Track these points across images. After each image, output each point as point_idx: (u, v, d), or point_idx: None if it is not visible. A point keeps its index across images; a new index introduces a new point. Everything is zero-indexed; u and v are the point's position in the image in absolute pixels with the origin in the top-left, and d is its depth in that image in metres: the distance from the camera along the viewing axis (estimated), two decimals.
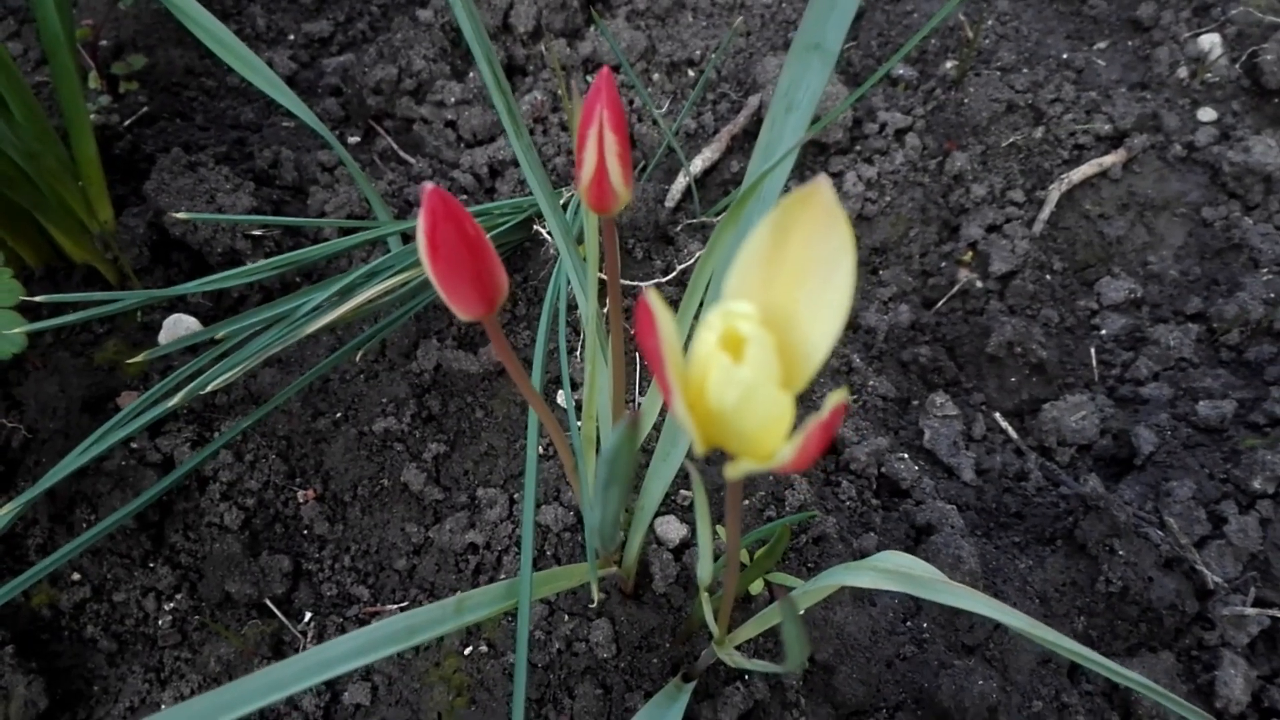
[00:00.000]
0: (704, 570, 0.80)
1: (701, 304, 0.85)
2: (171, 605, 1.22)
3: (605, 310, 1.27)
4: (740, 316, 0.43)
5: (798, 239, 0.45)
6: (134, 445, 1.27)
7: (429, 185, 0.54)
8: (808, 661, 1.13)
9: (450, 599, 0.84)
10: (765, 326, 0.44)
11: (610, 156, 0.60)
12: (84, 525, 1.25)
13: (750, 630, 0.97)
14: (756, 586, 1.16)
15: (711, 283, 0.84)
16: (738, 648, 1.12)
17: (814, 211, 0.44)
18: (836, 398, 0.40)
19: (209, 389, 1.06)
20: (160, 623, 1.21)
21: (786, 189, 1.39)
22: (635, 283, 1.42)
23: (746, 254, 0.46)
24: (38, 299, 1.05)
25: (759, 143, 0.87)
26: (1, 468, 1.28)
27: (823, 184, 0.43)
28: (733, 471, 0.45)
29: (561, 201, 1.42)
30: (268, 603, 1.22)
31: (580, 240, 1.35)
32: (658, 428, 1.09)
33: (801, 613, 1.13)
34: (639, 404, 1.36)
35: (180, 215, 1.09)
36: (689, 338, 0.88)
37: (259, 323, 1.15)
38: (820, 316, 0.45)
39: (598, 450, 1.06)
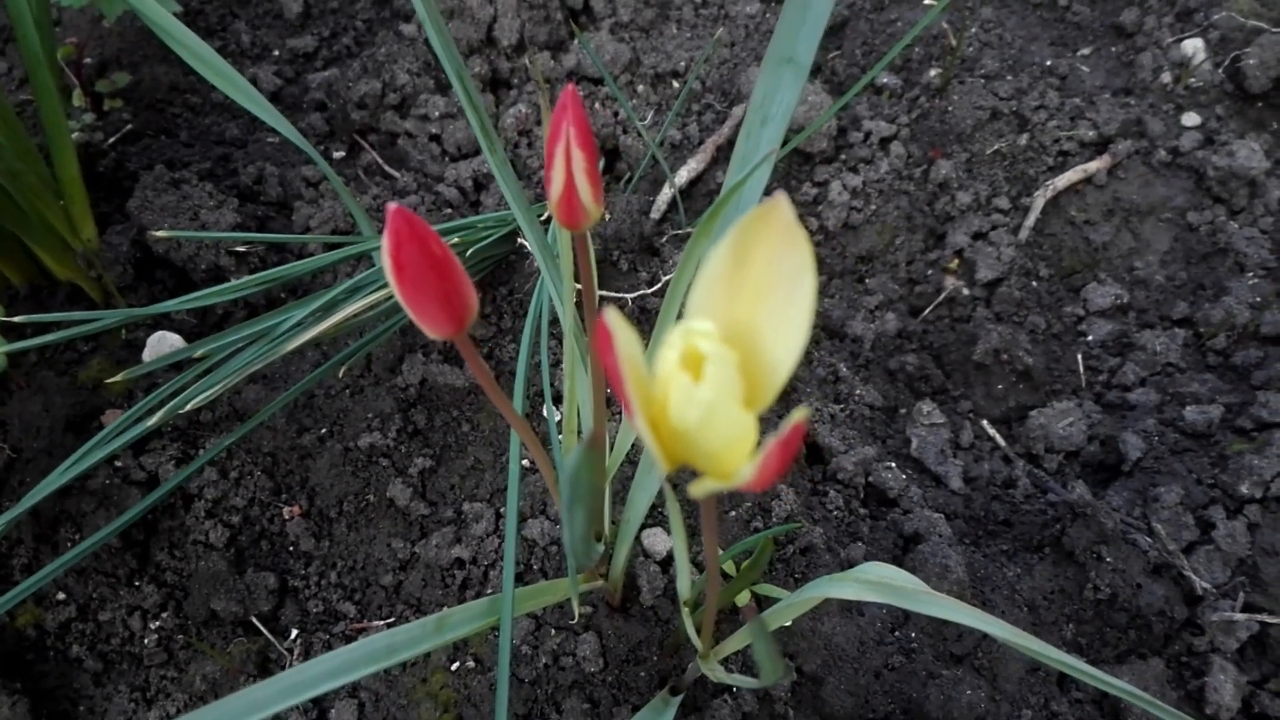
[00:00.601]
0: (683, 586, 0.80)
1: (679, 317, 0.85)
2: (157, 624, 1.22)
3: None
4: (700, 334, 0.43)
5: (759, 256, 0.45)
6: (118, 463, 1.27)
7: (392, 205, 0.53)
8: (795, 673, 1.12)
9: (431, 617, 0.84)
10: (728, 344, 0.44)
11: (579, 174, 0.60)
12: (68, 544, 1.24)
13: (737, 643, 0.96)
14: (743, 598, 1.15)
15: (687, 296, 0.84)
16: (725, 660, 1.12)
17: (774, 229, 0.44)
18: (797, 416, 0.40)
19: (189, 407, 1.06)
20: (146, 641, 1.21)
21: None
22: (620, 294, 1.41)
23: (708, 272, 0.45)
24: (19, 319, 1.05)
25: (734, 155, 0.87)
26: None
27: (781, 202, 0.43)
28: (698, 490, 0.45)
29: (543, 217, 1.42)
30: (254, 620, 1.22)
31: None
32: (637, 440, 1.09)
33: (789, 624, 1.13)
34: (620, 417, 1.35)
35: (161, 233, 1.09)
36: None
37: (241, 339, 1.15)
38: (783, 333, 0.45)
39: None
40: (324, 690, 0.76)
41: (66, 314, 1.05)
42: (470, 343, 0.65)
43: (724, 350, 0.42)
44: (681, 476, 1.28)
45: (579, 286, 0.98)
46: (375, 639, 0.80)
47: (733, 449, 0.44)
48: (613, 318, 0.41)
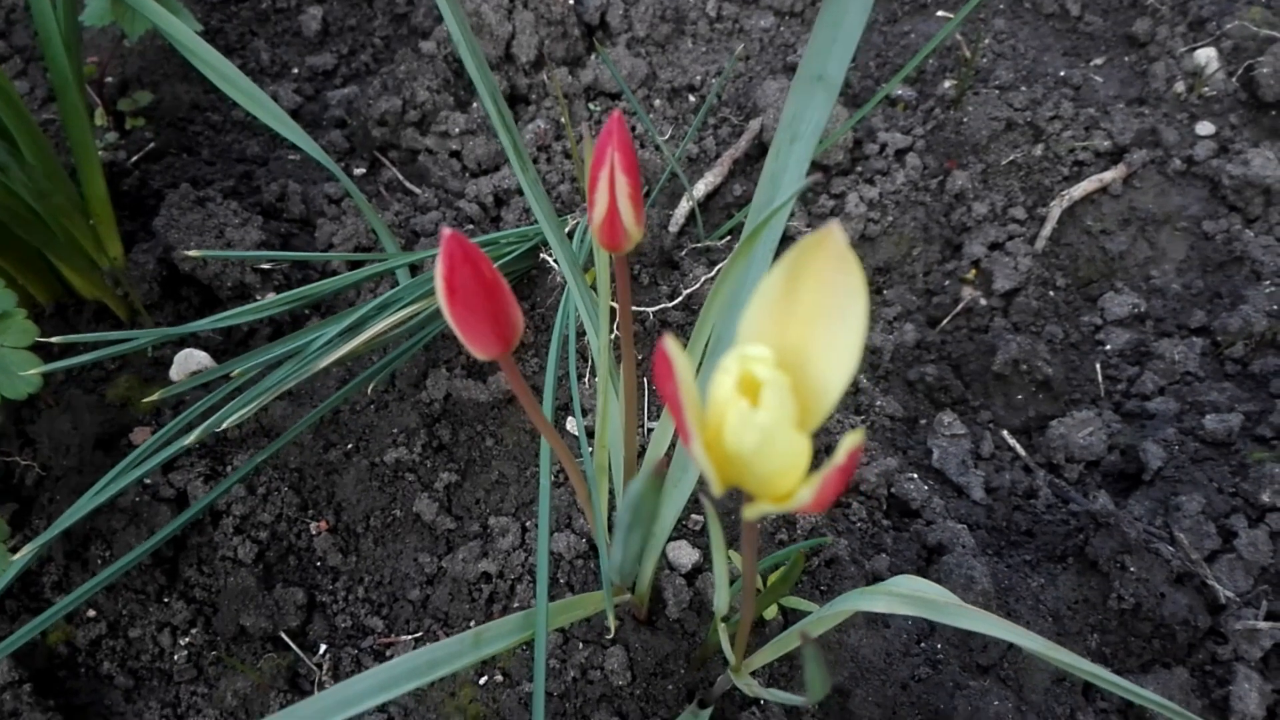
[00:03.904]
0: (720, 601, 0.81)
1: (709, 339, 0.86)
2: (187, 640, 1.23)
3: (615, 337, 1.29)
4: (756, 360, 0.44)
5: (810, 282, 0.45)
6: (147, 481, 1.28)
7: (446, 230, 0.55)
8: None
9: (468, 632, 0.85)
10: (780, 368, 0.44)
11: (622, 198, 0.61)
12: (99, 561, 1.25)
13: (765, 656, 0.97)
14: (771, 612, 1.16)
15: (720, 316, 0.85)
16: (753, 673, 1.12)
17: (826, 255, 0.45)
18: (852, 440, 0.41)
19: (224, 427, 1.07)
20: (176, 658, 1.22)
21: (791, 213, 1.39)
22: (642, 308, 1.42)
23: (760, 297, 0.46)
24: (53, 340, 1.06)
25: (764, 173, 0.88)
26: (16, 505, 1.28)
27: (834, 229, 0.44)
28: (750, 513, 0.46)
29: (567, 230, 1.44)
30: (283, 635, 1.23)
31: (587, 269, 1.36)
32: (669, 454, 1.10)
33: (815, 637, 1.13)
34: (649, 429, 1.36)
35: (192, 253, 1.10)
36: (699, 367, 0.89)
37: (272, 358, 1.16)
38: (834, 357, 0.46)
39: (610, 477, 1.07)
40: (366, 707, 0.77)
41: (99, 334, 1.07)
42: (514, 362, 0.66)
43: (779, 375, 0.43)
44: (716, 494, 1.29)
45: (611, 304, 0.99)
46: (415, 655, 0.81)
47: (787, 471, 0.45)
48: (672, 346, 0.42)
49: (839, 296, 0.45)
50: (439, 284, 0.56)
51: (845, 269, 0.45)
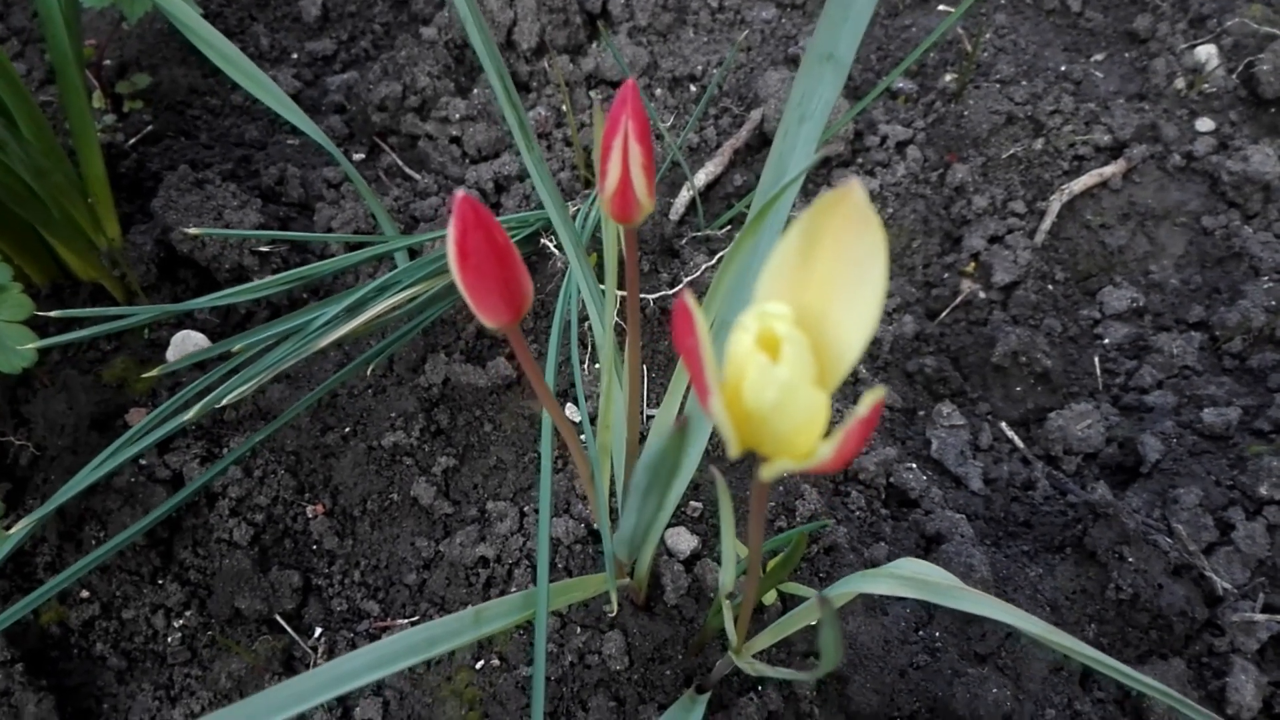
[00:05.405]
0: (727, 577, 0.81)
1: (712, 324, 0.86)
2: (181, 622, 1.22)
3: (618, 321, 1.28)
4: (776, 317, 0.43)
5: (829, 241, 0.45)
6: (143, 462, 1.27)
7: (460, 192, 0.54)
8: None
9: (468, 610, 0.84)
10: (799, 327, 0.44)
11: (635, 167, 0.61)
12: (93, 542, 1.24)
13: (765, 640, 0.97)
14: (769, 598, 1.16)
15: (725, 296, 0.84)
16: (754, 656, 1.12)
17: (846, 213, 0.44)
18: (875, 395, 0.41)
19: (225, 402, 1.06)
20: (170, 639, 1.21)
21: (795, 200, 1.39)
22: (643, 295, 1.42)
23: (778, 256, 0.46)
24: (52, 314, 1.05)
25: (771, 153, 0.88)
26: (10, 485, 1.27)
27: (854, 186, 0.44)
28: (767, 472, 0.45)
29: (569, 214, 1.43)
30: (278, 618, 1.22)
31: (590, 251, 1.35)
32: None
33: (815, 622, 1.13)
34: (649, 416, 1.36)
35: (192, 230, 1.10)
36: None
37: (270, 338, 1.15)
38: (853, 317, 0.46)
39: (612, 461, 1.06)
40: (363, 682, 0.76)
41: (96, 310, 1.06)
42: (520, 333, 0.66)
43: (798, 332, 0.43)
44: (724, 467, 1.29)
45: (608, 287, 0.98)
46: (414, 631, 0.80)
47: (807, 429, 0.45)
48: (691, 301, 0.42)
49: (859, 255, 0.45)
50: (451, 249, 0.56)
51: (865, 227, 0.44)
